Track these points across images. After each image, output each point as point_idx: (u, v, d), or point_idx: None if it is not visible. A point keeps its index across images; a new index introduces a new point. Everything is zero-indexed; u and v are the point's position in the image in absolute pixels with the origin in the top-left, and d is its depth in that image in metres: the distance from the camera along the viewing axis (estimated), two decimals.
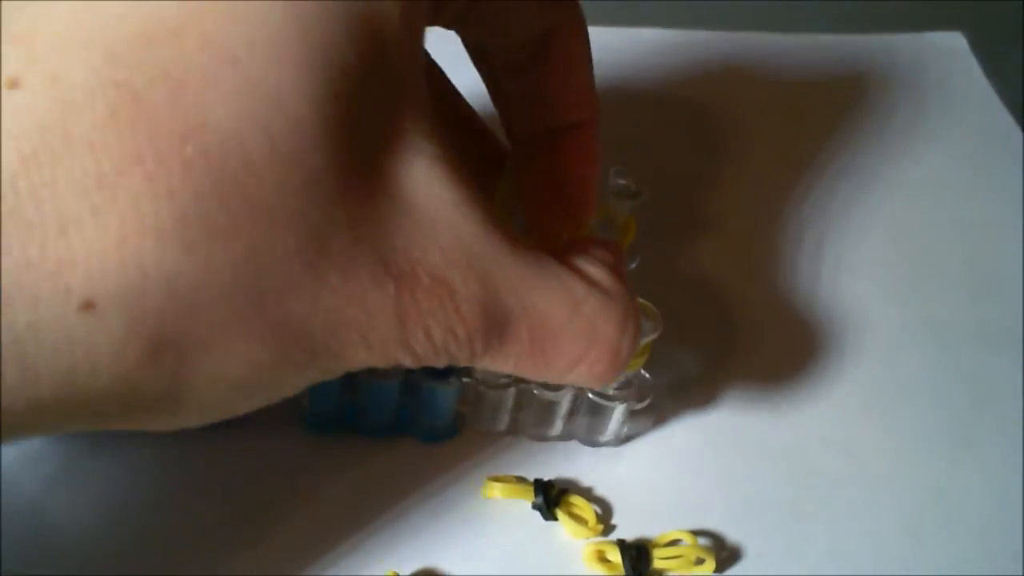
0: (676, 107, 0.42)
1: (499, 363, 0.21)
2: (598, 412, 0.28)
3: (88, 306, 0.15)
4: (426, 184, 0.18)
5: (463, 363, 0.20)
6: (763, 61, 0.45)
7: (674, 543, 0.27)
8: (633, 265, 0.32)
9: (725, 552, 0.27)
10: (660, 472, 0.29)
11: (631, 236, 0.30)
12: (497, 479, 0.28)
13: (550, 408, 0.28)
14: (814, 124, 0.42)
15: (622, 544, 0.26)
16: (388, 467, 0.28)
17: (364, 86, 0.17)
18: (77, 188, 0.15)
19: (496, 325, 0.20)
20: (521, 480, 0.28)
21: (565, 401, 0.28)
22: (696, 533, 0.27)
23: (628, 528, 0.27)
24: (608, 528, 0.27)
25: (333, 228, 0.17)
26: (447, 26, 0.23)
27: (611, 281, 0.22)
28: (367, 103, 0.17)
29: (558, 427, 0.29)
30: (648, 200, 0.31)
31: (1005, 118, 0.43)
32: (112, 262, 0.15)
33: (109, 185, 0.15)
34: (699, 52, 0.45)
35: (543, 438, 0.29)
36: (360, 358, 0.19)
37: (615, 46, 0.43)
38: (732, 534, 0.27)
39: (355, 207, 0.17)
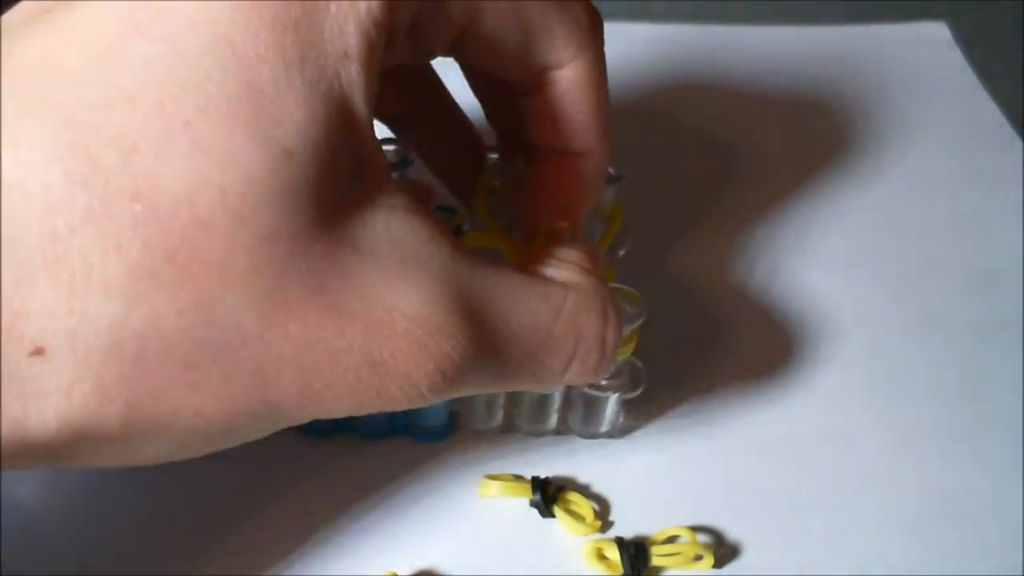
0: (662, 100, 0.42)
1: (498, 385, 0.21)
2: (592, 404, 0.28)
3: (39, 352, 0.16)
4: (391, 230, 0.19)
5: (458, 395, 0.21)
6: (747, 54, 0.45)
7: (672, 539, 0.26)
8: (622, 252, 0.32)
9: (724, 548, 0.27)
10: (658, 467, 0.28)
11: (618, 223, 0.30)
12: (493, 477, 0.27)
13: (543, 402, 0.28)
14: (800, 116, 0.42)
15: (620, 541, 0.26)
16: (384, 467, 0.28)
17: (318, 143, 0.17)
18: (32, 244, 0.16)
19: (487, 349, 0.20)
20: (518, 478, 0.28)
21: (558, 394, 0.28)
22: (694, 529, 0.27)
23: (626, 524, 0.27)
24: (606, 525, 0.27)
25: (290, 281, 0.17)
26: (433, 57, 0.24)
27: (583, 278, 0.22)
28: (322, 159, 0.18)
29: (553, 421, 0.28)
30: (632, 184, 0.31)
31: (990, 107, 0.43)
32: (61, 312, 0.16)
33: (62, 241, 0.16)
34: (682, 46, 0.45)
35: (539, 433, 0.29)
36: (330, 407, 0.19)
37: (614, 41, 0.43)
38: (731, 530, 0.27)
39: (315, 260, 0.18)
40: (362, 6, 0.18)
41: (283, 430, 0.27)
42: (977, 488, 0.29)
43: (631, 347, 0.26)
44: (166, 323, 0.16)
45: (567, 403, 0.28)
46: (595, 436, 0.29)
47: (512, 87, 0.24)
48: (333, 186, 0.18)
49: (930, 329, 0.33)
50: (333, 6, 0.18)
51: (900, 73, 0.45)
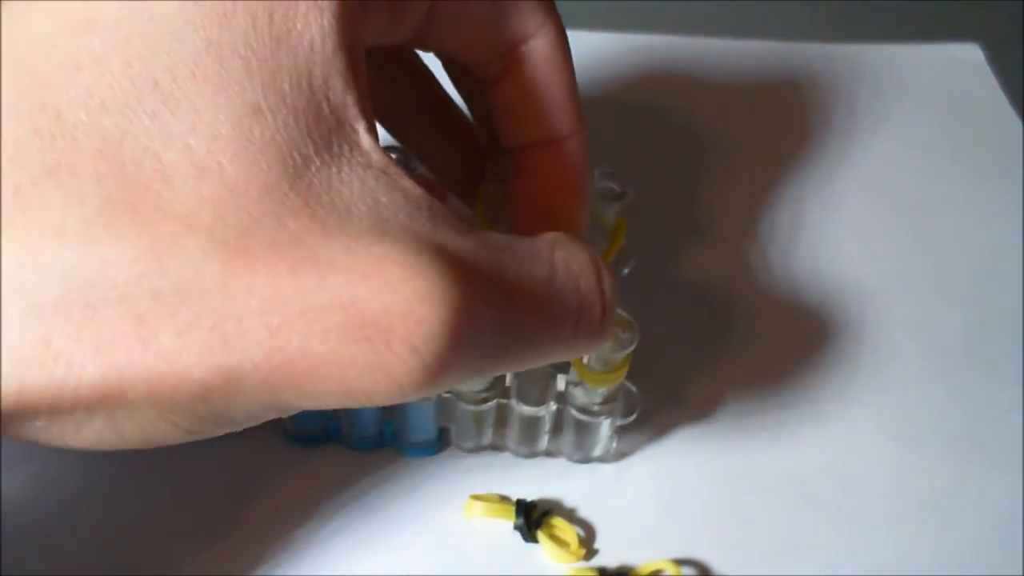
0: (689, 115, 0.41)
1: (514, 351, 0.19)
2: (585, 428, 0.27)
3: None
4: (368, 189, 0.18)
5: (469, 372, 0.18)
6: (778, 71, 0.44)
7: (656, 574, 0.26)
8: (626, 271, 0.31)
9: None
10: (648, 495, 0.28)
11: (622, 239, 0.29)
12: (479, 497, 0.27)
13: (533, 424, 0.27)
14: (829, 135, 0.41)
15: (603, 572, 0.25)
16: (371, 481, 0.27)
17: (287, 98, 0.17)
18: None
19: (493, 305, 0.18)
20: (503, 499, 0.27)
21: (547, 417, 0.27)
22: (680, 562, 0.26)
23: (611, 553, 0.26)
24: (591, 553, 0.26)
25: (259, 233, 0.16)
26: (406, 44, 0.23)
27: (560, 236, 0.21)
28: (293, 114, 0.17)
29: (543, 444, 0.28)
30: (637, 202, 0.30)
31: (1021, 131, 0.42)
32: (13, 260, 0.16)
33: (24, 193, 0.16)
34: (712, 60, 0.44)
35: (529, 455, 0.28)
36: (305, 385, 0.17)
37: (609, 51, 0.43)
38: (718, 566, 0.26)
39: (289, 215, 0.17)
40: None
41: (269, 437, 0.27)
42: (981, 536, 0.28)
43: (623, 372, 0.26)
44: (119, 271, 0.16)
45: (558, 427, 0.28)
46: (586, 460, 0.28)
47: (486, 78, 0.24)
48: (306, 142, 0.17)
49: (943, 366, 0.32)
50: None
51: (932, 94, 0.44)
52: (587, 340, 0.21)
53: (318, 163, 0.18)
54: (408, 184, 0.19)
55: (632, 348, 0.25)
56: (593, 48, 0.42)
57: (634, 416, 0.27)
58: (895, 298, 0.34)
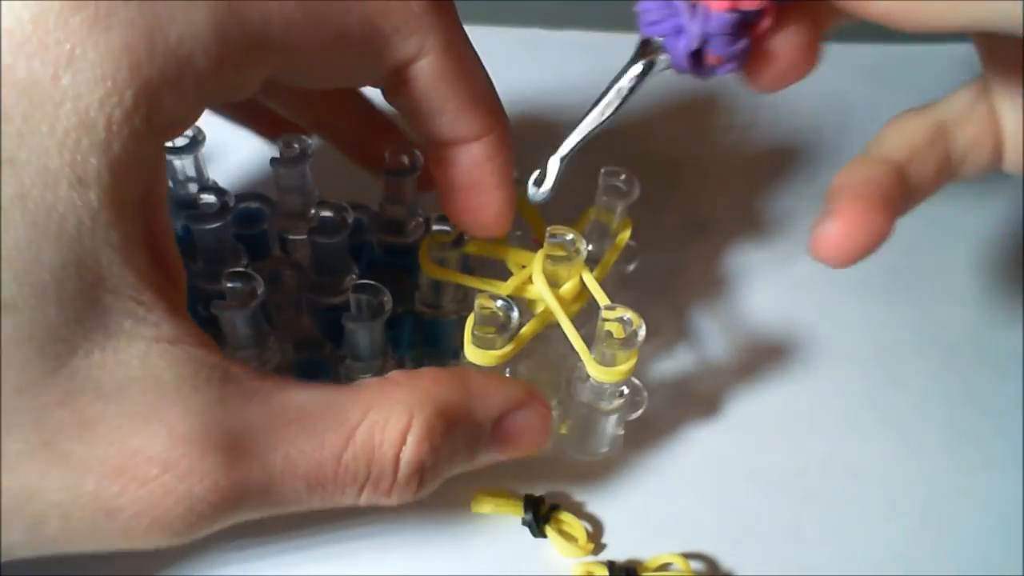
0: (686, 117, 0.41)
1: (281, 511, 0.21)
2: (590, 423, 0.27)
3: None
4: (148, 365, 0.18)
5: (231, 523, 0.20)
6: None
7: (665, 567, 0.26)
8: (631, 268, 0.31)
9: None
10: (654, 490, 0.28)
11: (627, 237, 0.29)
12: (488, 492, 0.27)
13: None
14: (827, 133, 0.41)
15: (611, 566, 0.26)
16: None
17: (45, 291, 0.17)
18: None
19: (256, 485, 0.19)
20: (512, 494, 0.27)
21: (555, 413, 0.27)
22: (688, 556, 0.26)
23: (619, 547, 0.27)
24: (599, 547, 0.27)
25: (12, 435, 0.17)
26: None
27: (392, 391, 0.21)
28: (53, 306, 0.17)
29: (550, 440, 0.28)
30: (642, 201, 0.30)
31: None
32: None
33: None
34: None
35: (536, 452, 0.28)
36: (71, 549, 0.19)
37: (611, 50, 0.43)
38: (725, 558, 0.27)
39: (44, 411, 0.17)
40: (99, 120, 0.17)
41: None
42: (982, 527, 0.28)
43: (631, 368, 0.26)
44: None
45: (565, 422, 0.28)
46: (593, 456, 0.28)
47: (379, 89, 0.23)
48: (72, 329, 0.17)
49: (940, 359, 0.33)
50: (54, 136, 0.16)
51: (931, 94, 0.44)
52: (375, 501, 0.21)
53: (87, 347, 0.18)
54: (200, 353, 0.19)
55: (639, 344, 0.25)
56: (595, 48, 0.42)
57: (640, 411, 0.27)
58: (898, 293, 0.35)
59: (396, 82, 0.22)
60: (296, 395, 0.20)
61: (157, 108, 0.17)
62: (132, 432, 0.18)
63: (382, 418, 0.21)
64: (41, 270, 0.17)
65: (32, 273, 0.17)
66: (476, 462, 0.23)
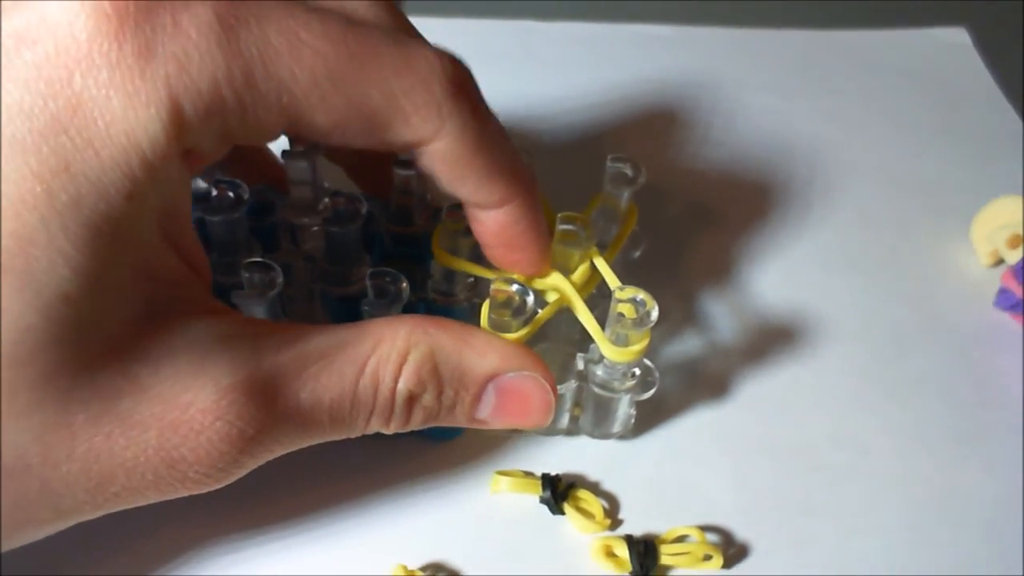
0: (679, 103, 0.42)
1: (309, 442, 0.23)
2: (604, 404, 0.28)
3: None
4: (189, 334, 0.21)
5: (266, 460, 0.22)
6: (768, 58, 0.45)
7: (682, 539, 0.27)
8: (637, 254, 0.32)
9: (733, 548, 0.27)
10: (668, 467, 0.29)
11: (633, 223, 0.30)
12: (504, 473, 0.28)
13: (555, 403, 0.28)
14: (818, 119, 0.42)
15: (629, 539, 0.26)
16: (397, 463, 0.28)
17: (99, 283, 0.19)
18: None
19: (287, 419, 0.22)
20: (528, 474, 0.28)
21: (569, 394, 0.28)
22: (704, 529, 0.27)
23: (636, 523, 0.27)
24: (616, 523, 0.27)
25: (75, 408, 0.19)
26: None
27: (394, 328, 0.23)
28: (106, 294, 0.19)
29: (564, 422, 0.29)
30: (648, 187, 0.31)
31: (1009, 113, 0.43)
32: None
33: None
34: (699, 48, 0.45)
35: (550, 432, 0.29)
36: (132, 503, 0.21)
37: (618, 41, 0.44)
38: (740, 530, 0.27)
39: (104, 385, 0.19)
40: (144, 141, 0.19)
41: None
42: (985, 493, 0.29)
43: (644, 348, 0.27)
44: None
45: (578, 404, 0.28)
46: (607, 436, 0.29)
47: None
48: (123, 315, 0.20)
49: (941, 335, 0.33)
50: (106, 151, 0.18)
51: (920, 78, 0.45)
52: (376, 428, 0.23)
53: (137, 327, 0.20)
54: (232, 318, 0.22)
55: (652, 325, 0.26)
56: (605, 38, 0.43)
57: (652, 391, 0.28)
58: (896, 273, 0.35)
59: (415, 153, 0.23)
60: (317, 338, 0.22)
61: (189, 138, 0.19)
62: (184, 389, 0.20)
63: (386, 351, 0.23)
64: (94, 267, 0.19)
65: (86, 271, 0.18)
66: (471, 416, 0.24)
